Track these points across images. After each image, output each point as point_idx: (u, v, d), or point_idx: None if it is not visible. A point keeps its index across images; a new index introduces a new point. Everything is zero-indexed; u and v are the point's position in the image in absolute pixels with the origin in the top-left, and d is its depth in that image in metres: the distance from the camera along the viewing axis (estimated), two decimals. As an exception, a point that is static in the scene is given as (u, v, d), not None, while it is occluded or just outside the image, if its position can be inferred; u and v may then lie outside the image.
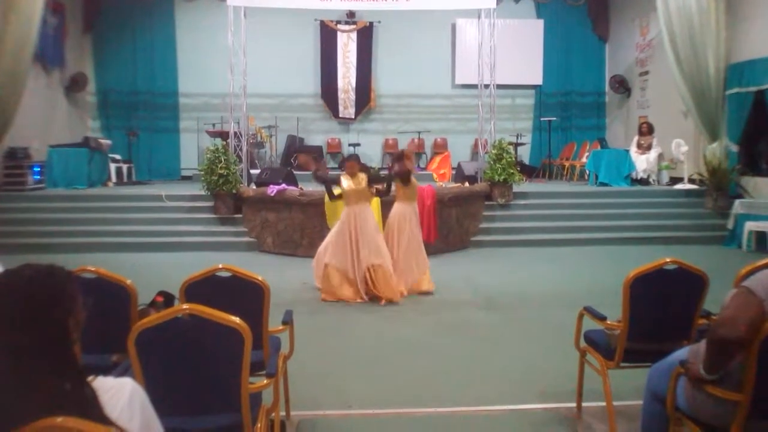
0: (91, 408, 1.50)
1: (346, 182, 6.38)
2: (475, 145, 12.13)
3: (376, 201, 7.36)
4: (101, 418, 1.49)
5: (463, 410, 3.70)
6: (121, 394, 1.64)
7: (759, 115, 9.63)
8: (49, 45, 11.74)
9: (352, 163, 6.56)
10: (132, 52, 13.82)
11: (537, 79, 14.37)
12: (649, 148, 11.54)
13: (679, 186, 10.78)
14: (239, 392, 2.32)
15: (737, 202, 9.39)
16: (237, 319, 2.27)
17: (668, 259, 3.13)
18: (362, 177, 6.42)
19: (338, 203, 6.88)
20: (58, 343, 1.53)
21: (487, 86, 10.89)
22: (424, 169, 12.79)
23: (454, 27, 14.21)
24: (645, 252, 7.84)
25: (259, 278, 3.17)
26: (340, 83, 14.20)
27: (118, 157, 12.48)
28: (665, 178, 11.62)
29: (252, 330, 2.31)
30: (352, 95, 14.25)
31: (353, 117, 14.30)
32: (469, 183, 10.24)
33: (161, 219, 9.62)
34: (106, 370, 2.15)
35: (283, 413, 3.42)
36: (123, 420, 1.57)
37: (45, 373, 1.50)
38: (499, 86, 11.19)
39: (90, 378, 1.58)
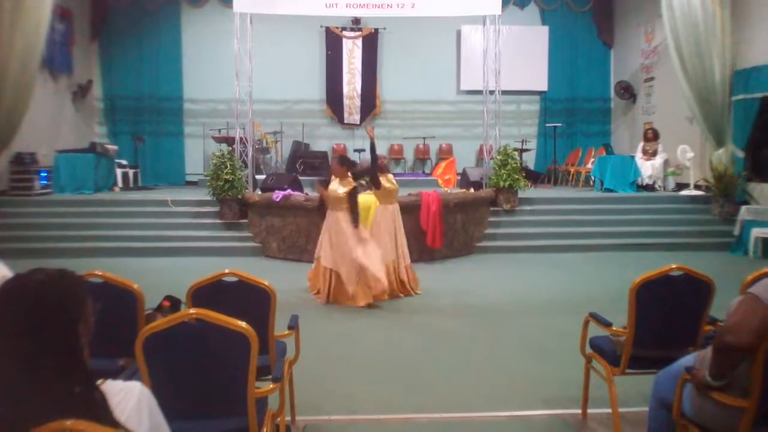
0: (100, 411, 1.51)
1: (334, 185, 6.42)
2: (480, 151, 12.13)
3: (371, 202, 7.30)
4: (110, 421, 1.50)
5: (469, 416, 3.69)
6: (129, 397, 1.65)
7: (765, 121, 9.60)
8: (57, 51, 11.82)
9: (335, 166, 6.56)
10: (138, 58, 13.91)
11: (542, 85, 14.38)
12: (654, 154, 11.52)
13: (685, 192, 10.76)
14: (245, 396, 2.33)
15: (743, 208, 9.35)
16: (244, 324, 2.28)
17: (674, 266, 3.13)
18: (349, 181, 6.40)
19: (368, 206, 6.93)
20: (68, 347, 1.54)
21: (492, 92, 10.92)
22: (429, 174, 12.79)
23: (459, 33, 14.25)
24: (650, 258, 7.82)
25: (266, 283, 3.18)
26: (346, 89, 14.24)
27: (124, 162, 12.55)
28: (671, 184, 11.59)
29: (258, 334, 2.32)
30: (357, 101, 14.29)
31: (358, 123, 14.32)
32: (474, 189, 10.24)
33: (167, 224, 9.65)
34: (113, 375, 2.15)
35: (288, 418, 3.42)
36: (131, 423, 1.58)
37: (54, 377, 1.50)
38: (504, 92, 11.21)
39: (99, 381, 1.59)
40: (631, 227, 9.82)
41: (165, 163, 13.97)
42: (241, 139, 10.75)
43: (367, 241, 6.35)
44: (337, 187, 6.35)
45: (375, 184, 6.58)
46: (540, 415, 3.69)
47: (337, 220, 6.36)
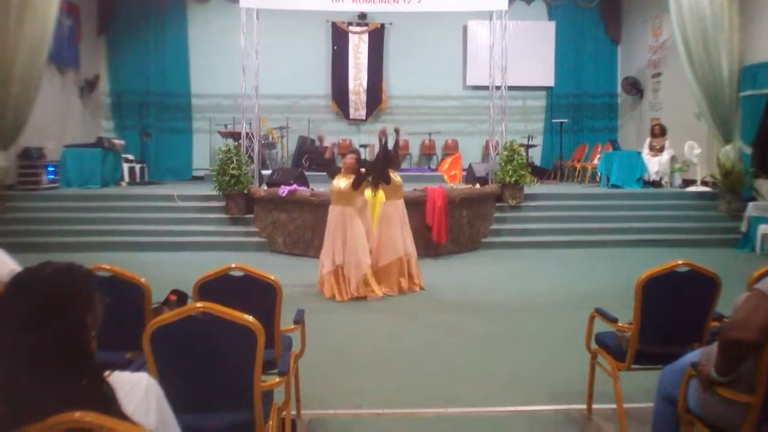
0: (107, 403, 1.52)
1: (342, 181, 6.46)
2: (486, 147, 12.11)
3: (376, 200, 7.40)
4: (117, 413, 1.52)
5: (473, 411, 3.70)
6: (137, 388, 1.66)
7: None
8: (64, 46, 11.85)
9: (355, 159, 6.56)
10: (145, 53, 13.92)
11: (549, 80, 14.32)
12: (661, 150, 11.48)
13: (691, 188, 10.71)
14: (251, 390, 2.34)
15: (750, 204, 9.31)
16: (250, 318, 2.29)
17: (681, 261, 3.12)
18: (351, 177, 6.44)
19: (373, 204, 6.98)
20: (77, 341, 1.56)
21: (498, 88, 10.88)
22: (435, 170, 12.76)
23: (465, 28, 14.20)
24: (657, 254, 7.81)
25: (272, 277, 3.19)
26: (351, 84, 14.22)
27: (131, 157, 12.59)
28: (678, 180, 11.54)
29: (264, 329, 2.33)
30: (363, 96, 14.27)
31: (364, 118, 14.31)
32: (480, 184, 10.22)
33: (173, 219, 9.68)
34: (120, 368, 2.17)
35: (294, 412, 3.44)
36: (139, 414, 1.59)
37: (62, 370, 1.52)
38: (511, 88, 11.19)
39: (107, 373, 1.60)
40: (638, 223, 9.79)
41: (171, 158, 13.99)
42: (247, 134, 10.76)
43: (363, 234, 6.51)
44: (340, 182, 6.42)
45: (385, 180, 6.60)
46: (545, 410, 3.70)
47: (340, 214, 6.41)
